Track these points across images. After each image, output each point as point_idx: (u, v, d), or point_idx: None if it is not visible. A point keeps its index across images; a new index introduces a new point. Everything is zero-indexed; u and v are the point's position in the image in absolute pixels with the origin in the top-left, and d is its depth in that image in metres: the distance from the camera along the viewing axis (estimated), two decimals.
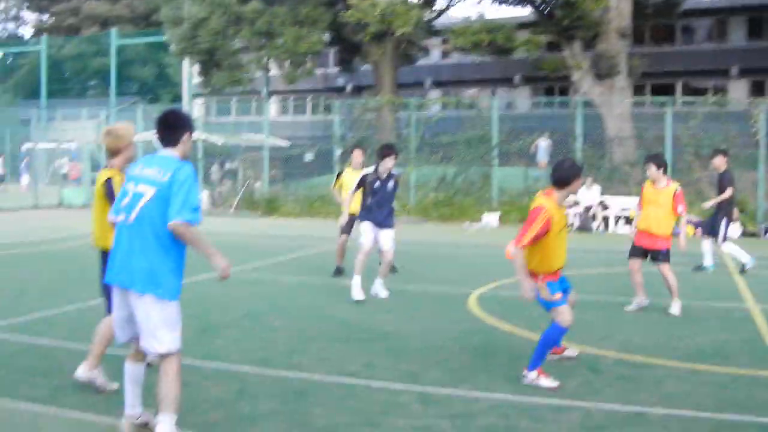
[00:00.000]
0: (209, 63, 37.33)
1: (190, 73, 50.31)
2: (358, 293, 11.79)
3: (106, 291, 6.67)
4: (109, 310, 6.81)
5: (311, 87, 53.82)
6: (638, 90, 43.00)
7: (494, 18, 36.92)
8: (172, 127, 5.94)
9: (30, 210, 31.04)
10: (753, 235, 23.92)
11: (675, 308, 11.03)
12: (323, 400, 6.78)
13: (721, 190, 15.44)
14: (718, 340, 9.46)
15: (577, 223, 24.92)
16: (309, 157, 32.21)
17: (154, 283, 5.63)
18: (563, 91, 45.25)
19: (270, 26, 35.02)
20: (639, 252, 11.38)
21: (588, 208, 25.01)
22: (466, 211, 27.14)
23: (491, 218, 25.96)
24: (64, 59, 64.28)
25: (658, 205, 11.31)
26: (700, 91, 42.01)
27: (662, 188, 11.42)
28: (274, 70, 42.37)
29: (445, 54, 51.52)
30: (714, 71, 45.96)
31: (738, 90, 45.00)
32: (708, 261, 15.58)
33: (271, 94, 48.71)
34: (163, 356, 5.70)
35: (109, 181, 7.07)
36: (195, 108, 48.68)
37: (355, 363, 8.04)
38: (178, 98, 59.19)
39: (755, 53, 44.15)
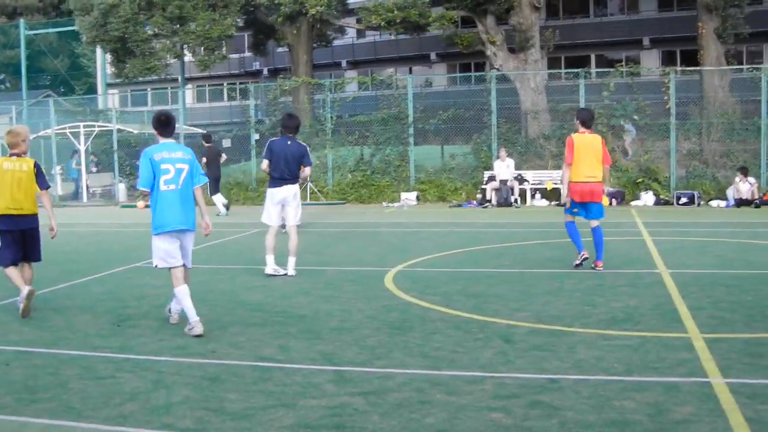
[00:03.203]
0: (122, 51, 36.75)
1: (103, 62, 49.57)
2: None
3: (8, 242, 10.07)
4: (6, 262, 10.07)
5: (227, 72, 53.50)
6: (553, 63, 43.53)
7: None
8: (170, 124, 9.06)
9: None
10: (667, 203, 24.40)
11: None
12: (238, 385, 6.75)
13: None
14: (629, 305, 9.64)
15: (494, 198, 25.14)
16: (226, 143, 31.97)
17: (194, 223, 9.00)
18: (479, 67, 45.51)
19: (182, 11, 34.57)
20: None
21: (504, 182, 25.23)
22: (383, 191, 27.26)
23: (409, 197, 26.09)
24: None
25: None
26: (614, 63, 42.62)
27: None
28: (188, 57, 41.94)
29: (360, 33, 51.46)
30: (626, 42, 46.68)
31: (650, 60, 45.80)
32: None
33: (187, 81, 48.24)
34: None
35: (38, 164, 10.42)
36: (109, 99, 48.04)
37: (270, 346, 8.01)
38: (92, 89, 58.25)
39: (666, 23, 44.94)
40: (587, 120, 12.32)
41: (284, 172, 12.50)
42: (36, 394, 6.70)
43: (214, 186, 24.09)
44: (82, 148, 32.14)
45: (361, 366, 7.24)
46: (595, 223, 12.19)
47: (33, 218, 10.21)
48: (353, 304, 10.13)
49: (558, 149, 25.67)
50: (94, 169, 35.05)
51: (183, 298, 8.72)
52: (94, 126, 32.47)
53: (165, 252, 8.82)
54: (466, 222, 20.56)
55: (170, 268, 8.86)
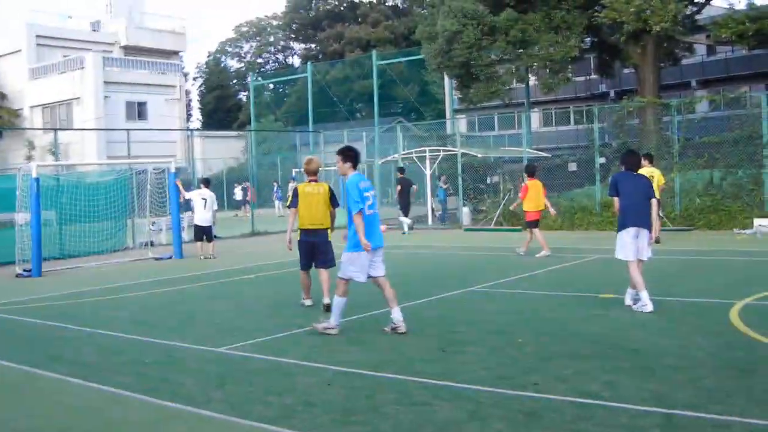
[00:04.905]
0: (465, 77, 37.30)
1: (450, 88, 50.67)
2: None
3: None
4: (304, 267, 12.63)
5: (574, 95, 53.01)
6: None
7: (761, 5, 34.38)
8: (355, 156, 10.62)
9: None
10: None
11: None
12: (555, 422, 6.34)
13: None
14: None
15: None
16: (572, 167, 31.42)
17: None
18: None
19: (524, 34, 34.53)
20: None
21: None
22: (735, 217, 25.51)
23: (764, 224, 24.32)
24: (329, 84, 66.38)
25: None
26: None
27: None
28: (532, 80, 41.90)
29: (710, 50, 49.22)
30: None
31: None
32: None
33: (533, 105, 48.27)
34: None
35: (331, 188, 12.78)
36: (458, 123, 48.90)
37: (597, 381, 7.52)
38: (441, 115, 59.78)
39: None
40: None
41: (633, 209, 11.83)
42: (350, 416, 6.76)
43: (405, 210, 30.75)
44: (427, 172, 32.87)
45: (694, 410, 6.57)
46: None
47: (324, 232, 12.45)
48: (692, 339, 9.37)
49: None
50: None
51: (342, 307, 10.41)
52: (439, 150, 33.13)
53: (362, 266, 10.28)
54: None
55: (352, 280, 10.39)
